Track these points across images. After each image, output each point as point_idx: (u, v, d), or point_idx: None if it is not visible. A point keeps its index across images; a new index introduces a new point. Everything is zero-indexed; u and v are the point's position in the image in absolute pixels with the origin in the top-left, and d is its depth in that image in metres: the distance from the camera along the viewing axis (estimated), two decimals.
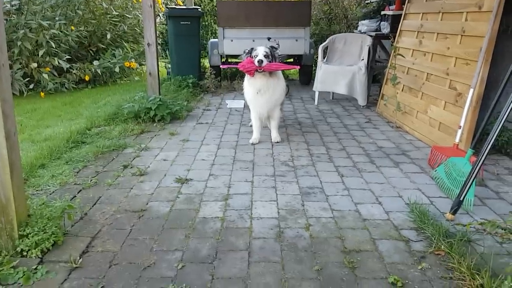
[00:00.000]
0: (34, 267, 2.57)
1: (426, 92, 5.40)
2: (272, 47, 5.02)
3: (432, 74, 5.32)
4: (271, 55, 4.85)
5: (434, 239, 2.86)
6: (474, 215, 3.29)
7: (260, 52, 4.76)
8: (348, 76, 7.12)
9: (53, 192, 3.66)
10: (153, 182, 3.98)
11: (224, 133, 5.68)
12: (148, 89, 6.65)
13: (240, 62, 5.03)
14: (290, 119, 6.51)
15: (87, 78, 8.52)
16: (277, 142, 5.16)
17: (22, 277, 2.47)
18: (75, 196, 3.60)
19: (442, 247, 2.76)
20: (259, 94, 4.88)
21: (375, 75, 8.00)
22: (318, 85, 7.45)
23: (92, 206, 3.44)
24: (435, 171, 3.96)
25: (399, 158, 4.73)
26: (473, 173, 3.12)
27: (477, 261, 2.58)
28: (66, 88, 8.27)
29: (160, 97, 6.24)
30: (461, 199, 3.15)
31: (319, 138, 5.53)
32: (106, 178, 4.03)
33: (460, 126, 4.19)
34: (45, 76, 7.77)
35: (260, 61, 4.66)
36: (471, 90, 4.16)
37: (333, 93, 7.82)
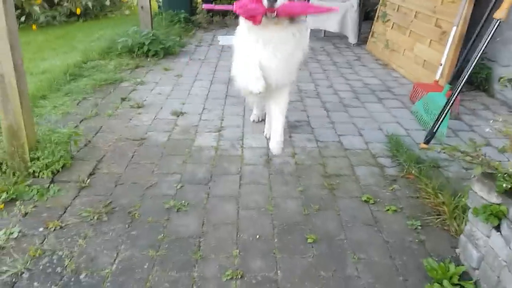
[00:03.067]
0: (46, 186, 2.87)
1: (413, 30, 5.53)
2: None
3: (420, 12, 5.43)
4: None
5: (406, 165, 3.19)
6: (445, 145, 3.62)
7: None
8: (340, 13, 7.15)
9: (56, 121, 3.88)
10: (150, 114, 4.22)
11: (216, 69, 5.84)
12: (140, 24, 6.67)
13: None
14: None
15: (78, 11, 8.43)
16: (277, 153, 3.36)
17: (36, 193, 2.78)
18: (77, 125, 3.84)
19: (413, 171, 3.10)
20: (266, 52, 2.91)
21: (368, 12, 8.01)
22: (310, 22, 7.48)
23: (95, 134, 3.70)
24: (415, 106, 4.24)
25: (383, 94, 4.98)
26: (447, 106, 3.40)
27: (443, 184, 2.93)
28: (57, 21, 8.20)
29: (153, 32, 6.29)
30: (435, 130, 3.45)
31: (309, 75, 5.72)
32: (105, 109, 4.25)
33: (441, 64, 4.41)
34: (36, 8, 7.69)
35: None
36: (454, 28, 4.34)
37: (324, 30, 7.87)
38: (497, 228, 1.96)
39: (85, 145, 3.51)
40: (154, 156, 3.38)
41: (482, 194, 2.06)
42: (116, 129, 3.83)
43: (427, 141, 3.47)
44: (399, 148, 3.46)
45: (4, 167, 2.94)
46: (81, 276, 2.13)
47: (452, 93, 3.38)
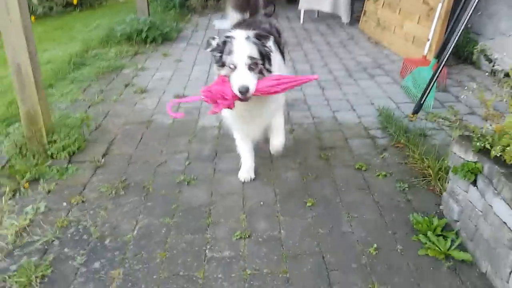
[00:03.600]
0: (64, 166, 3.11)
1: (403, 7, 5.73)
2: (260, 35, 2.47)
3: None
4: (263, 57, 2.43)
5: (396, 135, 3.44)
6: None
7: (241, 60, 2.34)
8: None
9: (66, 107, 4.11)
10: (154, 98, 4.43)
11: None
12: (137, 11, 6.83)
13: (204, 89, 2.43)
14: None
15: (74, 1, 8.55)
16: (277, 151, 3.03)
17: (56, 173, 3.02)
18: (86, 111, 4.06)
19: (402, 140, 3.35)
20: (246, 120, 2.75)
21: None
22: (304, 3, 7.65)
23: (104, 119, 3.93)
24: (404, 80, 4.47)
25: (375, 71, 5.20)
26: (433, 78, 3.63)
27: (428, 150, 3.17)
28: (54, 12, 8.34)
29: (150, 18, 6.46)
30: (422, 102, 3.69)
31: (304, 56, 5.92)
32: (111, 95, 4.47)
33: (429, 39, 4.62)
34: (34, 0, 7.82)
35: (244, 90, 2.31)
36: (440, 4, 4.54)
37: (318, 11, 8.02)
38: (474, 183, 2.22)
39: (96, 129, 3.74)
40: (161, 137, 3.61)
41: (460, 154, 2.32)
42: (122, 114, 4.06)
43: (415, 112, 3.72)
44: (389, 120, 3.70)
45: (24, 151, 3.17)
46: (106, 242, 2.39)
47: (438, 66, 3.61)
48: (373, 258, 2.26)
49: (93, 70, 5.12)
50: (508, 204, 1.90)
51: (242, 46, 2.37)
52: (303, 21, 7.82)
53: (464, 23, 3.48)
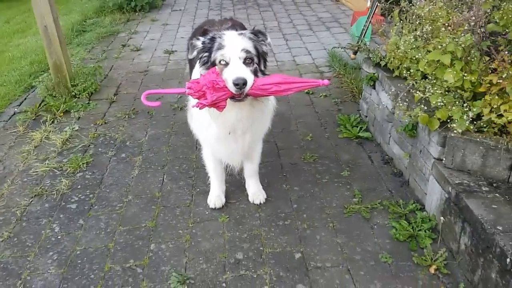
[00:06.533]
0: (86, 102, 4.12)
1: None
2: (258, 31, 2.25)
3: None
4: (258, 54, 2.17)
5: (337, 69, 4.50)
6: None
7: (235, 53, 2.06)
8: None
9: (77, 64, 5.08)
10: (148, 54, 5.41)
11: (196, 17, 6.97)
12: None
13: (191, 80, 2.13)
14: (250, 2, 7.77)
15: None
16: (260, 203, 2.71)
17: (81, 107, 4.03)
18: (97, 66, 5.04)
19: (341, 72, 4.41)
20: (231, 136, 2.34)
21: None
22: None
23: (110, 71, 4.92)
24: (350, 29, 5.49)
25: (331, 24, 6.21)
26: (367, 21, 4.63)
27: (357, 77, 4.21)
28: None
29: None
30: (359, 42, 4.72)
31: (273, 15, 6.90)
32: (112, 54, 5.44)
33: None
34: None
35: (242, 83, 1.99)
36: None
37: None
38: (373, 87, 3.30)
39: (105, 78, 4.73)
40: (158, 81, 4.62)
41: (366, 69, 3.39)
42: (124, 66, 5.04)
43: (354, 53, 4.75)
44: (335, 59, 4.75)
45: (53, 93, 4.16)
46: (127, 143, 3.45)
47: (368, 11, 4.62)
48: (308, 142, 3.35)
49: (94, 35, 6.06)
50: (387, 94, 2.97)
51: (235, 39, 2.08)
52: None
53: None
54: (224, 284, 2.16)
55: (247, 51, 2.06)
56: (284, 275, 2.19)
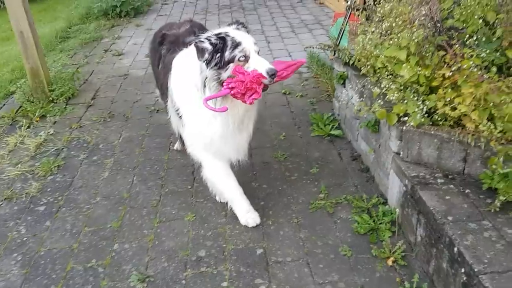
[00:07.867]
0: (64, 107, 4.14)
1: None
2: (244, 25, 2.35)
3: None
4: None
5: (315, 69, 4.52)
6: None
7: (252, 48, 2.13)
8: None
9: (58, 70, 5.09)
10: (129, 58, 5.44)
11: None
12: None
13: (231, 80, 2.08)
14: (235, 6, 7.81)
15: None
16: (227, 202, 2.64)
17: (58, 111, 4.04)
18: (75, 71, 5.06)
19: (318, 73, 4.43)
20: (236, 128, 2.36)
21: None
22: None
23: (90, 75, 4.94)
24: (330, 30, 5.52)
25: (314, 26, 6.24)
26: (344, 23, 4.67)
27: (333, 77, 4.23)
28: None
29: None
30: (337, 43, 4.74)
31: (257, 18, 6.94)
32: (94, 59, 5.46)
33: None
34: None
35: (274, 72, 2.09)
36: None
37: None
38: (344, 85, 3.31)
39: (84, 83, 4.75)
40: (136, 84, 4.64)
41: (337, 67, 3.41)
42: (104, 71, 5.07)
43: (334, 54, 4.77)
44: (313, 60, 4.77)
45: (31, 98, 4.17)
46: (100, 146, 3.46)
47: (345, 14, 4.65)
48: (281, 141, 3.37)
49: (77, 41, 6.09)
50: (354, 91, 2.99)
51: (245, 35, 2.15)
52: None
53: None
54: (183, 281, 2.17)
55: (255, 44, 2.15)
56: (244, 270, 2.20)
